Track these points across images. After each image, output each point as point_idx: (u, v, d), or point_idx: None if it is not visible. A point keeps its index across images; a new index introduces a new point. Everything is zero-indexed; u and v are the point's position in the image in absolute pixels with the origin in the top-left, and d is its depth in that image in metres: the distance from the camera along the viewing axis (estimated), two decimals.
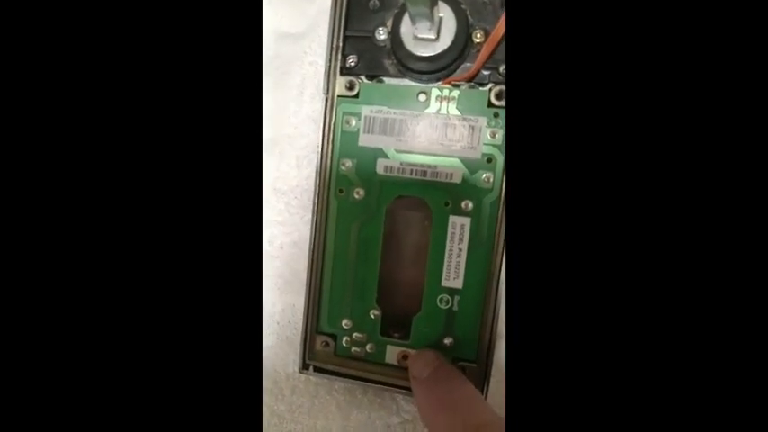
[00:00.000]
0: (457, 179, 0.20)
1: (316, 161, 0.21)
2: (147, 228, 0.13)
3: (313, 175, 0.21)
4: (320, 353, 0.22)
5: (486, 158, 0.19)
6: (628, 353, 0.12)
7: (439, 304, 0.20)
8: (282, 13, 0.25)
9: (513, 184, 0.13)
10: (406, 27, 0.19)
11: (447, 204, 0.20)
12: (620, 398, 0.12)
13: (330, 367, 0.22)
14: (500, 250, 0.19)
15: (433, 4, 0.17)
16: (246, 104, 0.14)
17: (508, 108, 0.18)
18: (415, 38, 0.19)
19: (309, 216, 0.21)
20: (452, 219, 0.20)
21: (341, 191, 0.21)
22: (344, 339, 0.22)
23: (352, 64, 0.20)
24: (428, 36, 0.19)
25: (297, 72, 0.24)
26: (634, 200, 0.12)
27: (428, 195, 0.20)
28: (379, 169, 0.20)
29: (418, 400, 0.19)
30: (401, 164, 0.20)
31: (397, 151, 0.20)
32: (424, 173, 0.20)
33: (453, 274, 0.20)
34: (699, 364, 0.11)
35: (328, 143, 0.21)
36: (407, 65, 0.19)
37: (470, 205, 0.20)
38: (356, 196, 0.21)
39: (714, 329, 0.11)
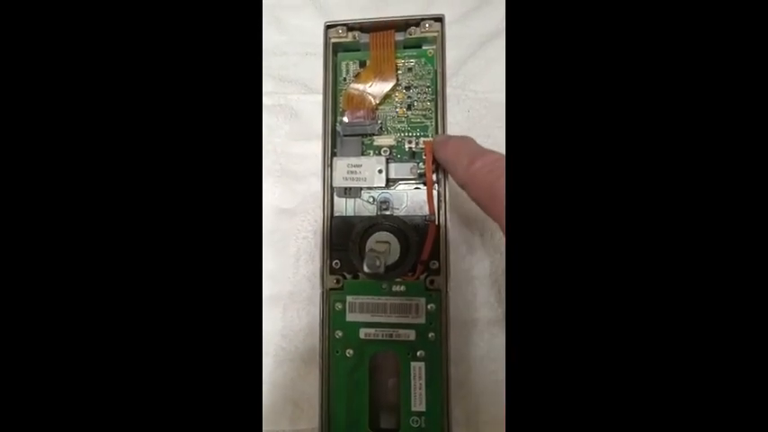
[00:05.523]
0: (412, 338, 0.30)
1: (317, 325, 0.31)
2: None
3: (311, 322, 0.31)
4: None
5: (428, 322, 0.30)
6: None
7: (412, 425, 0.30)
8: (277, 192, 0.36)
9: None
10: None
11: (408, 354, 0.30)
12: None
13: None
14: (446, 383, 0.30)
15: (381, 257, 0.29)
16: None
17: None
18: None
19: (311, 351, 0.31)
20: (413, 364, 0.30)
21: (337, 351, 0.31)
22: None
23: (337, 266, 0.32)
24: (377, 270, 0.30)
25: (293, 244, 0.35)
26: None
27: (395, 349, 0.30)
28: (362, 335, 0.31)
29: (440, 155, 0.28)
30: (376, 331, 0.31)
31: (372, 324, 0.31)
32: (391, 335, 0.31)
33: (418, 402, 0.30)
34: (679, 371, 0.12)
35: (324, 321, 0.31)
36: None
37: (423, 354, 0.30)
38: (347, 355, 0.31)
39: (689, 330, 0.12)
